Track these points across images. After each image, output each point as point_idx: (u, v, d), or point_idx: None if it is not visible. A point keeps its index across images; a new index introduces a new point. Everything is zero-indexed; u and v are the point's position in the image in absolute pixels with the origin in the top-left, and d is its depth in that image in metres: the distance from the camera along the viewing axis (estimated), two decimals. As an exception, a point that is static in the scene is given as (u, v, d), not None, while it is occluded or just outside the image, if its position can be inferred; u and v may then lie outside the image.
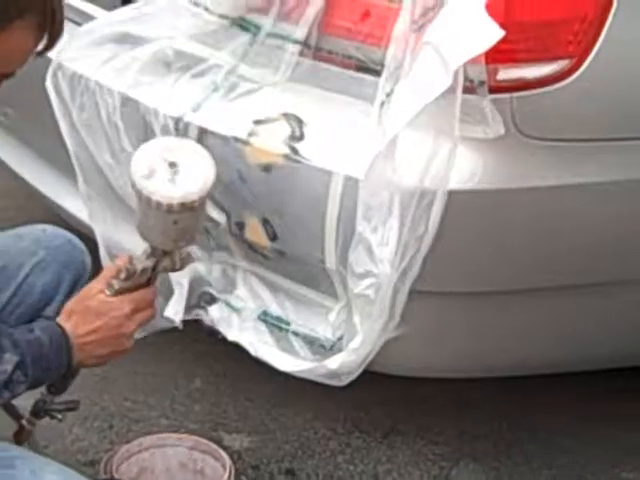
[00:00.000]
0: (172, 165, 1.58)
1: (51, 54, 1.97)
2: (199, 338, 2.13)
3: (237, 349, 2.00)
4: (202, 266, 2.04)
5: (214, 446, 2.04)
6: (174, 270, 1.70)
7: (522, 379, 2.07)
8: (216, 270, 2.04)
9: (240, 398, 2.37)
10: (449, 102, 1.68)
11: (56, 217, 2.39)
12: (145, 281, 1.64)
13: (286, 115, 1.85)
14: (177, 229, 1.59)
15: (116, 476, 1.93)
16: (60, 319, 1.60)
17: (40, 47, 1.45)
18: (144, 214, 1.61)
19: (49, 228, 1.88)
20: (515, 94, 1.74)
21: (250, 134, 1.85)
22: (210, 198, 1.89)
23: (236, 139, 1.85)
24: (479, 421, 2.33)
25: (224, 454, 2.01)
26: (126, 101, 1.97)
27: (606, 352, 2.07)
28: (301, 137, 1.82)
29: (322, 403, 2.34)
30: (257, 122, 1.86)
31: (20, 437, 1.77)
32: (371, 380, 1.91)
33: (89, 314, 1.59)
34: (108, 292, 1.62)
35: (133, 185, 1.60)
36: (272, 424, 2.31)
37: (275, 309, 1.97)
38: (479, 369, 2.04)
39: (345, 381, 1.86)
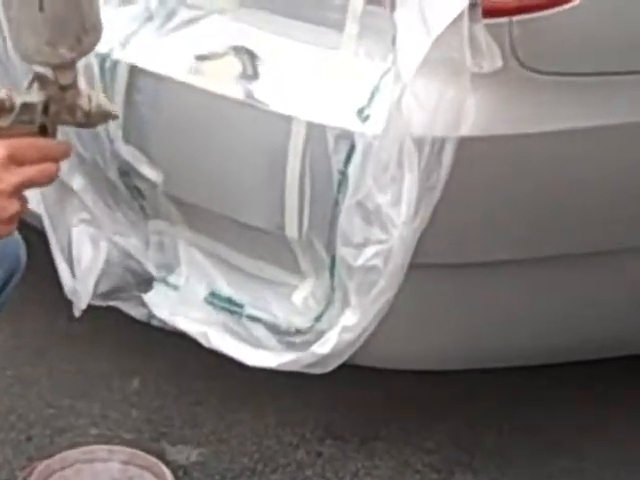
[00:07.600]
0: None
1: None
2: (137, 328, 2.00)
3: (183, 340, 1.92)
4: (131, 239, 1.97)
5: (154, 460, 1.94)
6: (81, 124, 1.41)
7: (519, 369, 1.97)
8: (152, 242, 1.96)
9: (187, 401, 2.19)
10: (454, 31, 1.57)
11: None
12: (36, 129, 1.37)
13: (236, 49, 1.77)
14: (46, 20, 1.36)
15: (33, 498, 1.86)
16: None
17: None
18: (10, 13, 1.37)
19: None
20: (515, 18, 1.61)
21: (191, 72, 1.78)
22: (143, 152, 1.83)
23: (173, 80, 1.78)
24: (475, 422, 2.17)
25: (166, 470, 1.92)
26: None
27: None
28: (255, 76, 1.74)
29: (287, 404, 2.17)
30: (200, 58, 1.78)
31: None
32: (345, 376, 1.82)
33: None
34: None
35: None
36: (226, 432, 2.13)
37: (225, 289, 1.90)
38: (479, 359, 1.92)
39: (331, 366, 1.78)
